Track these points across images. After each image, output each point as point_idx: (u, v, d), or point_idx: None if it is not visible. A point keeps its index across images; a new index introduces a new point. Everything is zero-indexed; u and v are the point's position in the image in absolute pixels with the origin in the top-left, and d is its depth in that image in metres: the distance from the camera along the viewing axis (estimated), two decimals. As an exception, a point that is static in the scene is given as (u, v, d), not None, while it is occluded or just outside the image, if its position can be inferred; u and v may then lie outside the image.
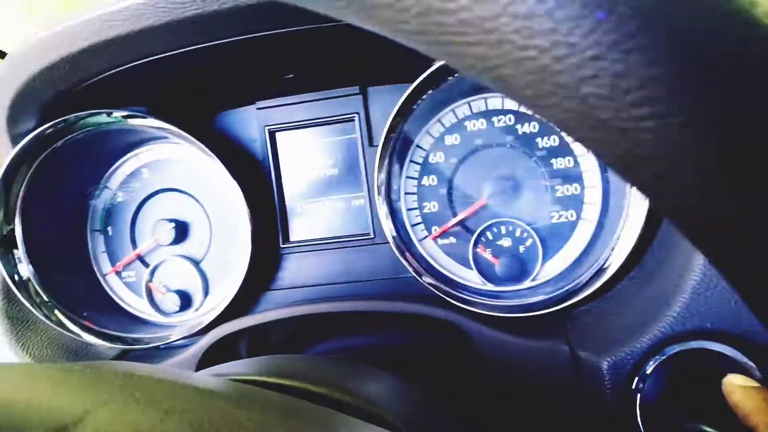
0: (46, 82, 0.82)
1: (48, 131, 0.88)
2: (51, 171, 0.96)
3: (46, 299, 0.96)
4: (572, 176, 0.89)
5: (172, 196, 1.04)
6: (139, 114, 0.89)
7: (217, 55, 0.79)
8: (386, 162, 0.89)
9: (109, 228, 1.07)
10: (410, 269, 0.88)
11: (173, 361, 0.93)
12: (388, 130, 0.86)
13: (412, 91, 0.83)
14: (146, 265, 1.05)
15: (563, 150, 0.89)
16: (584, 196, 0.89)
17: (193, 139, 0.90)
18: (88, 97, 0.88)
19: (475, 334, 0.82)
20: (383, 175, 0.90)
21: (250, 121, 1.01)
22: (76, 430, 0.33)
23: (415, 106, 0.86)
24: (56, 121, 0.87)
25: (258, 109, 0.99)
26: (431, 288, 0.87)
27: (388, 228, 0.90)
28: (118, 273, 1.07)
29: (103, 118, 0.89)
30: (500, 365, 0.80)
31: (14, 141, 0.92)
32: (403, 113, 0.86)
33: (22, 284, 0.95)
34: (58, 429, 0.32)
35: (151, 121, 0.89)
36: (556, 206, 0.90)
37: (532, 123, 0.90)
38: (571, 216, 0.90)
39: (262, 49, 0.80)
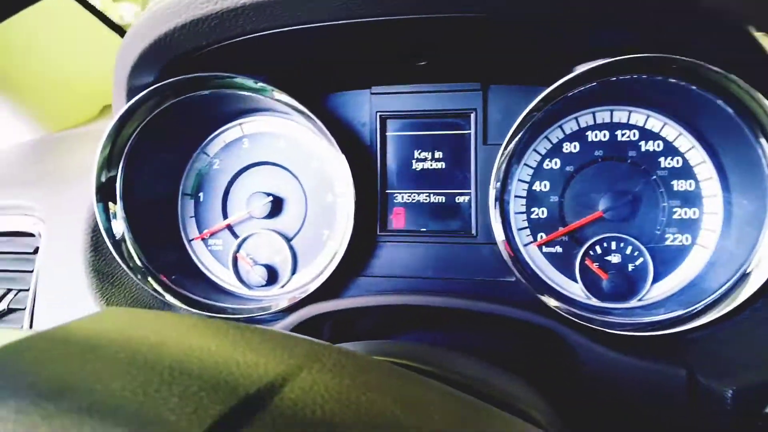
0: (183, 39, 0.80)
1: (177, 83, 0.88)
2: (161, 125, 0.95)
3: (139, 262, 0.95)
4: (692, 200, 0.87)
5: (270, 170, 1.03)
6: (271, 86, 0.88)
7: (354, 33, 0.78)
8: (505, 163, 0.88)
9: (200, 194, 1.06)
10: (518, 274, 0.86)
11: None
12: (514, 130, 0.85)
13: (545, 95, 0.82)
14: (235, 235, 1.04)
15: (686, 172, 0.87)
16: (702, 221, 0.87)
17: (312, 115, 0.89)
18: (206, 61, 0.86)
19: (582, 349, 0.80)
20: (501, 176, 0.88)
21: (362, 105, 0.99)
22: (283, 390, 0.32)
23: (544, 110, 0.85)
24: (194, 75, 0.87)
25: (372, 93, 0.98)
26: (545, 300, 0.85)
27: (498, 230, 0.88)
28: (204, 240, 1.06)
29: (248, 83, 0.88)
30: (608, 382, 0.78)
31: (130, 94, 0.91)
32: (531, 115, 0.84)
33: (117, 243, 0.94)
34: (266, 387, 0.32)
35: (284, 96, 0.88)
36: (671, 228, 0.88)
37: (657, 141, 0.88)
38: (687, 240, 0.88)
39: (398, 32, 0.78)
